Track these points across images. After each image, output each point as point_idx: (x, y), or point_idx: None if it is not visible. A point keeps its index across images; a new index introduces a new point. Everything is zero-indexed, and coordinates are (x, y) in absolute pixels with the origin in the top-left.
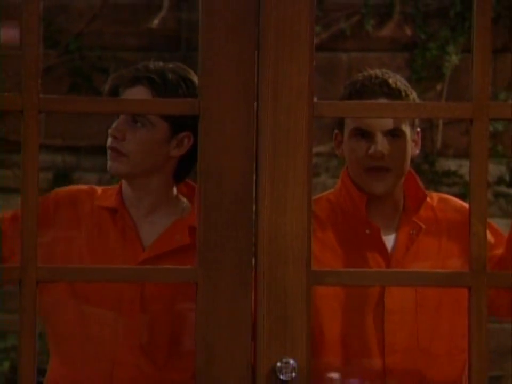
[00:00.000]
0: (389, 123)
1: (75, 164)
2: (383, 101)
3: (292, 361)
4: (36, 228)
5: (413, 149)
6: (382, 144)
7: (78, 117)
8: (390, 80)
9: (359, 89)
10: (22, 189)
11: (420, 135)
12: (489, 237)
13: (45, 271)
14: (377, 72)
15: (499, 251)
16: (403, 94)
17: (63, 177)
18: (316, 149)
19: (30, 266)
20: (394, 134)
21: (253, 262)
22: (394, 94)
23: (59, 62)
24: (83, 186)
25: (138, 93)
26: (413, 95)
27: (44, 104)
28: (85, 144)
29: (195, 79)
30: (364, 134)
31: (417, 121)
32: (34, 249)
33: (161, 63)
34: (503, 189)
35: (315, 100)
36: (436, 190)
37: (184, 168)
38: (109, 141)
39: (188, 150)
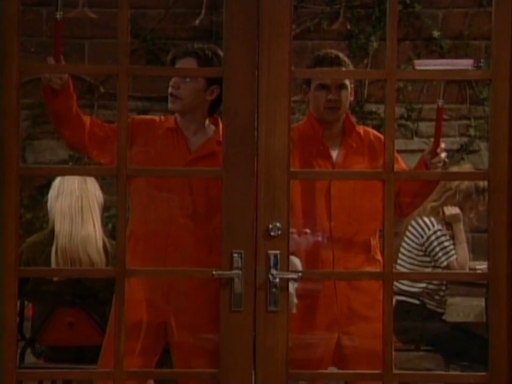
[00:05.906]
0: (339, 80)
1: (149, 107)
2: (336, 67)
3: (278, 224)
4: (126, 145)
5: (350, 97)
6: (335, 93)
7: (151, 78)
8: (340, 55)
9: (321, 60)
10: (117, 123)
11: (354, 88)
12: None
13: (131, 170)
14: (332, 51)
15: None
16: (346, 63)
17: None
18: (293, 98)
19: (122, 167)
20: (342, 87)
21: (255, 166)
22: (341, 63)
23: (140, 47)
24: (152, 116)
25: (188, 62)
26: (350, 65)
27: (130, 70)
28: (155, 95)
29: (221, 53)
30: (324, 87)
31: (353, 81)
32: (125, 158)
33: (201, 44)
34: (403, 121)
35: (293, 68)
36: (364, 123)
37: (213, 108)
38: (170, 89)
39: (216, 97)
